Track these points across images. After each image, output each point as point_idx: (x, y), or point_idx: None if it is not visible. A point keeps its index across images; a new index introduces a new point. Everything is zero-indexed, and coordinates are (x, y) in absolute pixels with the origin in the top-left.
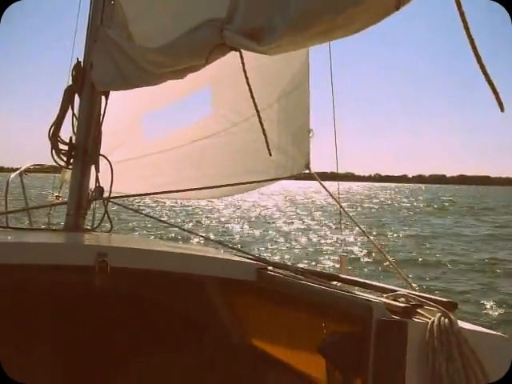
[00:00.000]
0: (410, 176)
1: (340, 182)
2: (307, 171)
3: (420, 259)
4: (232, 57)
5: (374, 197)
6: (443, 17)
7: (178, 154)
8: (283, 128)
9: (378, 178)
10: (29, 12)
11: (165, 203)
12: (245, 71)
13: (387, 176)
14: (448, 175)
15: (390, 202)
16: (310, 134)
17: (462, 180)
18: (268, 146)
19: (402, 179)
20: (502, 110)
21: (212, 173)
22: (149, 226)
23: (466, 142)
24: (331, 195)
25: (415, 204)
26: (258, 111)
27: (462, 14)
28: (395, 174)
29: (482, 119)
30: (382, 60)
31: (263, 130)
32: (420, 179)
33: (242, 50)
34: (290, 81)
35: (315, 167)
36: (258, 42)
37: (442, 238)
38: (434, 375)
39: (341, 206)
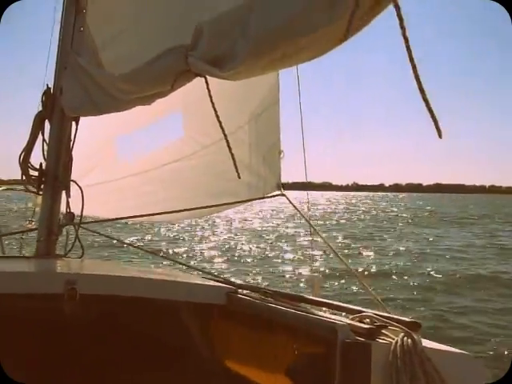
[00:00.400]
0: (387, 185)
1: (318, 192)
2: (279, 192)
3: None
4: (202, 80)
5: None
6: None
7: (151, 176)
8: (254, 149)
9: (355, 187)
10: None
11: (153, 224)
12: (210, 96)
13: (364, 185)
14: (424, 184)
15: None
16: (281, 155)
17: (438, 188)
18: (236, 169)
19: (379, 188)
20: (440, 137)
21: (184, 195)
22: (125, 248)
23: (441, 150)
24: (303, 216)
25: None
26: (225, 135)
27: (407, 43)
28: (372, 183)
29: (457, 127)
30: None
31: (231, 154)
32: (397, 188)
33: (207, 76)
34: (260, 103)
35: (291, 178)
36: (220, 68)
37: None
38: None
39: (311, 226)
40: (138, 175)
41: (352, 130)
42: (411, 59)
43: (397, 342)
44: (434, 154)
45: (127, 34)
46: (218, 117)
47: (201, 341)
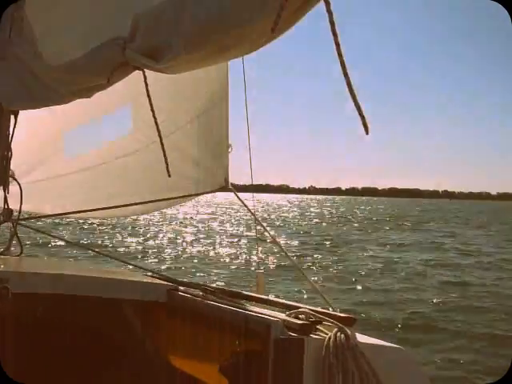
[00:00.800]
0: (344, 188)
1: (280, 195)
2: (226, 186)
3: None
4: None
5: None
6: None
7: (99, 171)
8: (203, 144)
9: (312, 191)
10: None
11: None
12: (147, 90)
13: (322, 188)
14: (380, 188)
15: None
16: (229, 149)
17: (393, 193)
18: (167, 167)
19: (336, 191)
20: (367, 133)
21: (132, 190)
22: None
23: (393, 155)
24: (249, 210)
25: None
26: (159, 131)
27: (336, 39)
28: (329, 187)
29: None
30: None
31: (163, 151)
32: (353, 191)
33: (146, 70)
34: (209, 97)
35: (246, 180)
36: (156, 60)
37: None
38: None
39: (258, 221)
40: (87, 170)
41: (309, 134)
42: (339, 54)
43: (330, 338)
44: (391, 158)
45: (67, 24)
46: (153, 111)
47: (144, 338)
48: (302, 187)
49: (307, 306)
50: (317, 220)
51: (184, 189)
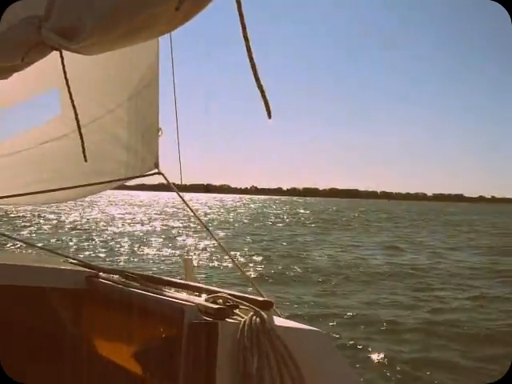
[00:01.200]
0: (285, 189)
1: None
2: (156, 170)
3: None
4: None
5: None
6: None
7: (25, 157)
8: (133, 128)
9: (254, 191)
10: None
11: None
12: (65, 72)
13: (263, 188)
14: (320, 188)
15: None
16: (159, 133)
17: (334, 193)
18: (84, 152)
19: (277, 191)
20: (270, 117)
21: (59, 175)
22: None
23: (334, 156)
24: (181, 197)
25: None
26: (77, 119)
27: (243, 28)
28: (271, 187)
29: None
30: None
31: (80, 135)
32: (294, 192)
33: (64, 51)
34: (140, 81)
35: (191, 179)
36: (70, 40)
37: None
38: (245, 373)
39: (187, 205)
40: (11, 156)
41: (250, 136)
42: (248, 49)
43: (245, 321)
44: (331, 158)
45: None
46: (70, 93)
47: (64, 325)
48: (243, 187)
49: (226, 291)
50: None
51: (113, 173)
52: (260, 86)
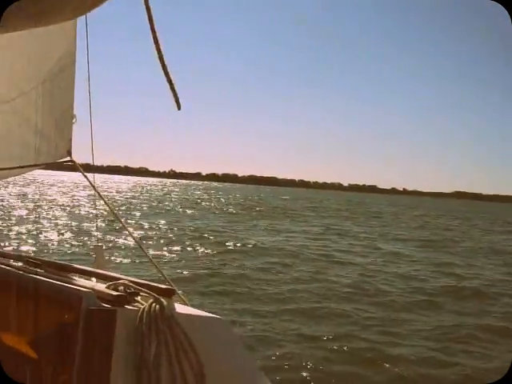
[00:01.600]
0: (204, 174)
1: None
2: (68, 158)
3: None
4: None
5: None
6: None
7: None
8: (47, 112)
9: (172, 175)
10: None
11: None
12: None
13: (182, 173)
14: (240, 175)
15: None
16: (74, 120)
17: (252, 180)
18: None
19: (196, 176)
20: (179, 108)
21: None
22: None
23: (254, 143)
24: (90, 182)
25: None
26: None
27: (150, 20)
28: (190, 171)
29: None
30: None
31: None
32: (213, 177)
33: None
34: (55, 64)
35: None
36: None
37: None
38: (142, 360)
39: (100, 195)
40: None
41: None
42: (156, 41)
43: (144, 308)
44: (252, 146)
45: None
46: None
47: None
48: (162, 171)
49: (129, 278)
50: None
51: (23, 158)
52: (169, 79)
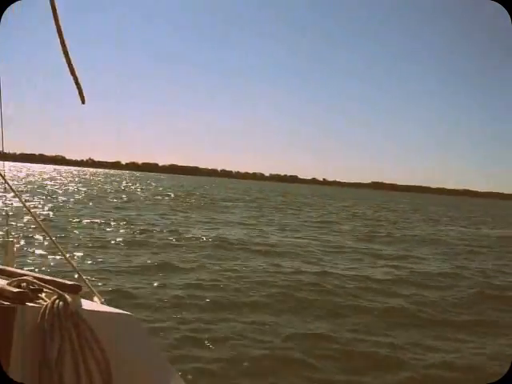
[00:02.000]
0: (124, 163)
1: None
2: None
3: None
4: None
5: None
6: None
7: None
8: None
9: (90, 163)
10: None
11: None
12: None
13: (100, 161)
14: (160, 164)
15: None
16: None
17: (174, 169)
18: None
19: (116, 165)
20: (83, 102)
21: None
22: None
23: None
24: (3, 177)
25: None
26: None
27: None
28: (108, 160)
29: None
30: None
31: None
32: (133, 166)
33: None
34: None
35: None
36: None
37: None
38: (44, 359)
39: (10, 187)
40: None
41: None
42: (60, 34)
43: (47, 305)
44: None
45: None
46: None
47: None
48: (79, 159)
49: (34, 274)
50: None
51: None
52: (74, 74)
